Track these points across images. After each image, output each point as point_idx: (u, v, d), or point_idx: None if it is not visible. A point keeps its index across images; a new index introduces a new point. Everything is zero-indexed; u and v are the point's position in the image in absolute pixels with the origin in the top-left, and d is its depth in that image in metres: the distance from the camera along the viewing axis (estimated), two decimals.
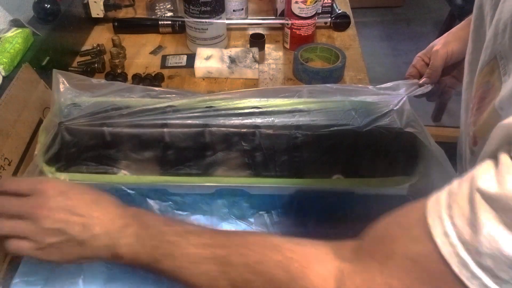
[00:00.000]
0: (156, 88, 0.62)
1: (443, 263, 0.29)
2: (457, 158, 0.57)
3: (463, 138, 0.53)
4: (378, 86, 0.61)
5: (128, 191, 0.55)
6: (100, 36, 0.99)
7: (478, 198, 0.28)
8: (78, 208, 0.46)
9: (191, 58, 0.90)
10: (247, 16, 1.04)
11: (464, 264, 0.28)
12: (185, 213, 0.61)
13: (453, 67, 0.66)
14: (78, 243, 0.45)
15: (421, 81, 0.66)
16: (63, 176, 0.59)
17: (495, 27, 0.38)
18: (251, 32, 0.99)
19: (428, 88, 0.62)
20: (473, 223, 0.28)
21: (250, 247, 0.41)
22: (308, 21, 0.91)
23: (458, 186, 0.30)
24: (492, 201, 0.28)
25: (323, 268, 0.37)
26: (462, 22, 0.67)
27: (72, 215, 0.45)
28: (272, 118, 0.58)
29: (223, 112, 0.59)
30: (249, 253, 0.40)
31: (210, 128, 0.57)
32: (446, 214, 0.30)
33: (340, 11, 1.01)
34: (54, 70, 0.62)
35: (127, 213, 0.46)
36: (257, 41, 0.94)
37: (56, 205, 0.45)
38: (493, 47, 0.38)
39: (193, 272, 0.42)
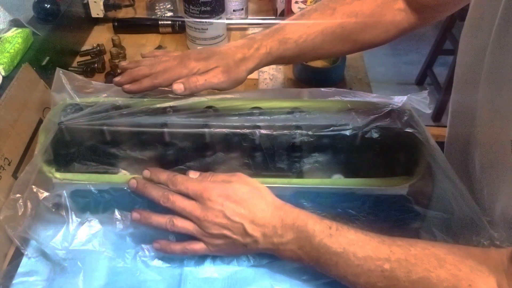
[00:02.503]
0: None
1: None
2: (468, 164, 0.55)
3: (481, 144, 0.52)
4: (382, 96, 0.61)
5: (129, 191, 0.55)
6: (100, 36, 0.99)
7: None
8: (237, 214, 0.49)
9: None
10: (247, 16, 1.04)
11: None
12: None
13: None
14: (242, 245, 0.49)
15: None
16: (62, 176, 0.59)
17: None
18: (251, 32, 0.99)
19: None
20: None
21: (413, 261, 0.42)
22: None
23: None
24: None
25: (486, 285, 0.39)
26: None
27: (233, 222, 0.48)
28: (272, 118, 0.58)
29: (223, 112, 0.59)
30: (413, 269, 0.42)
31: (210, 128, 0.57)
32: None
33: None
34: (58, 69, 0.62)
35: (288, 219, 0.48)
36: None
37: (217, 213, 0.49)
38: None
39: (358, 281, 0.44)
